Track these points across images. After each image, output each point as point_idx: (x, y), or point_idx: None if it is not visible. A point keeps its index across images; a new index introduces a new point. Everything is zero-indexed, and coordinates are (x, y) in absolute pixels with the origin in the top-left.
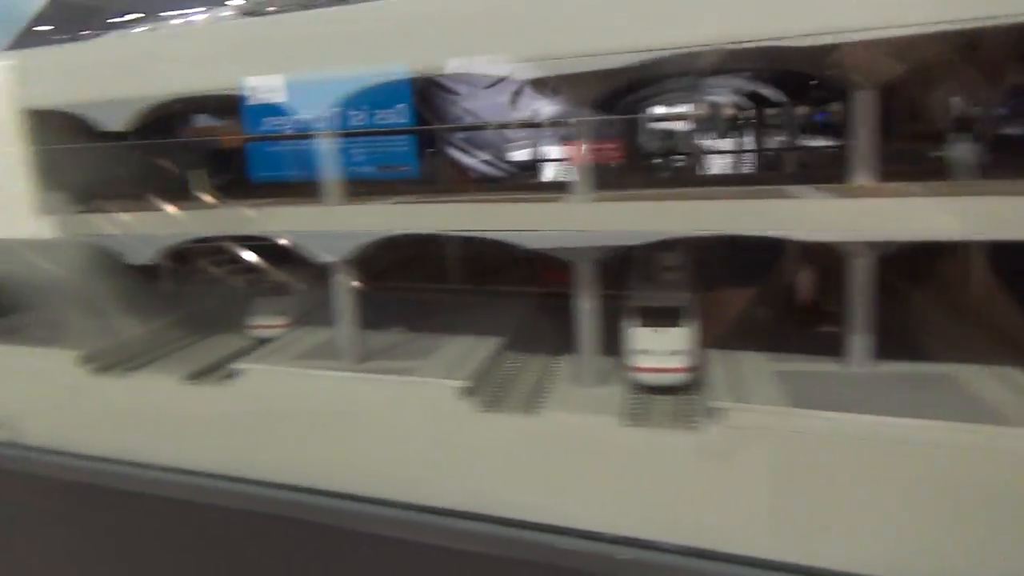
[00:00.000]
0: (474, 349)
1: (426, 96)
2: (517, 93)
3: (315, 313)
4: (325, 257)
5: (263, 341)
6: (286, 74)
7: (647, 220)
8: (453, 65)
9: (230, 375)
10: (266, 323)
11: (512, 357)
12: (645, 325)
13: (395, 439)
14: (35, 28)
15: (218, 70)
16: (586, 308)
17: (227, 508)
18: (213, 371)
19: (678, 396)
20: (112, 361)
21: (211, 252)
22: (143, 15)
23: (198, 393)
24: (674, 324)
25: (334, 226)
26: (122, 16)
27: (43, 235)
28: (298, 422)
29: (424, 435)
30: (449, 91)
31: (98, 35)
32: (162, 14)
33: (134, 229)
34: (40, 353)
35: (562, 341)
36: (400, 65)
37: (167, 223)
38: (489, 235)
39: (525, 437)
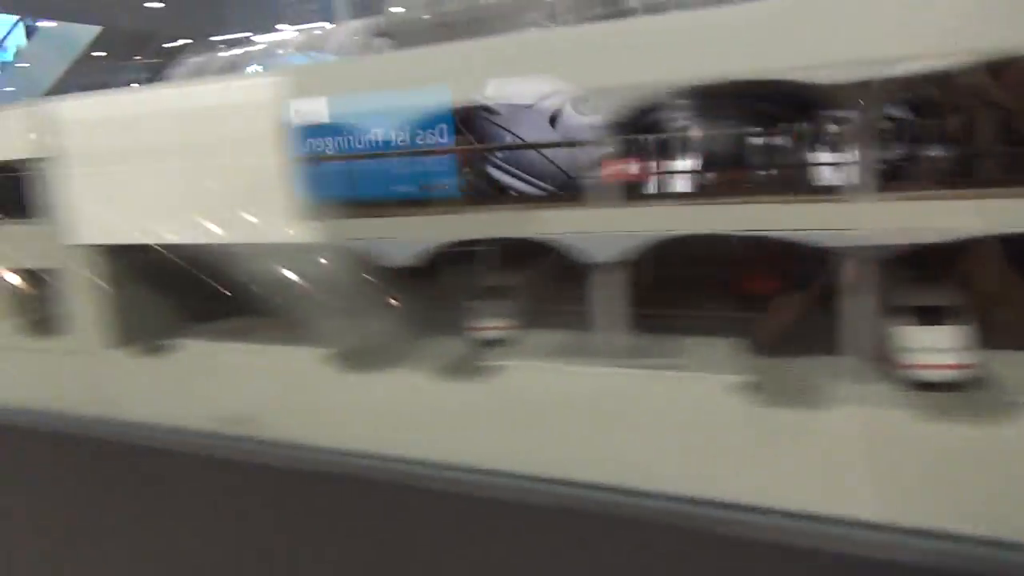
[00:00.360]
0: (721, 349)
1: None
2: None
3: (534, 316)
4: (597, 258)
5: (488, 342)
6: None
7: (951, 218)
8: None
9: (482, 370)
10: (492, 325)
11: (754, 357)
12: (920, 323)
13: (666, 431)
14: (92, 54)
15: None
16: (863, 307)
17: (494, 500)
18: (458, 369)
19: (957, 393)
20: (359, 359)
21: (466, 257)
22: (192, 40)
23: (454, 388)
24: (948, 322)
25: (612, 228)
26: (174, 41)
27: (302, 240)
28: (561, 414)
29: (698, 427)
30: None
31: (151, 62)
32: (213, 38)
33: (395, 233)
34: (289, 352)
35: (801, 341)
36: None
37: (428, 227)
38: (780, 235)
39: (807, 432)
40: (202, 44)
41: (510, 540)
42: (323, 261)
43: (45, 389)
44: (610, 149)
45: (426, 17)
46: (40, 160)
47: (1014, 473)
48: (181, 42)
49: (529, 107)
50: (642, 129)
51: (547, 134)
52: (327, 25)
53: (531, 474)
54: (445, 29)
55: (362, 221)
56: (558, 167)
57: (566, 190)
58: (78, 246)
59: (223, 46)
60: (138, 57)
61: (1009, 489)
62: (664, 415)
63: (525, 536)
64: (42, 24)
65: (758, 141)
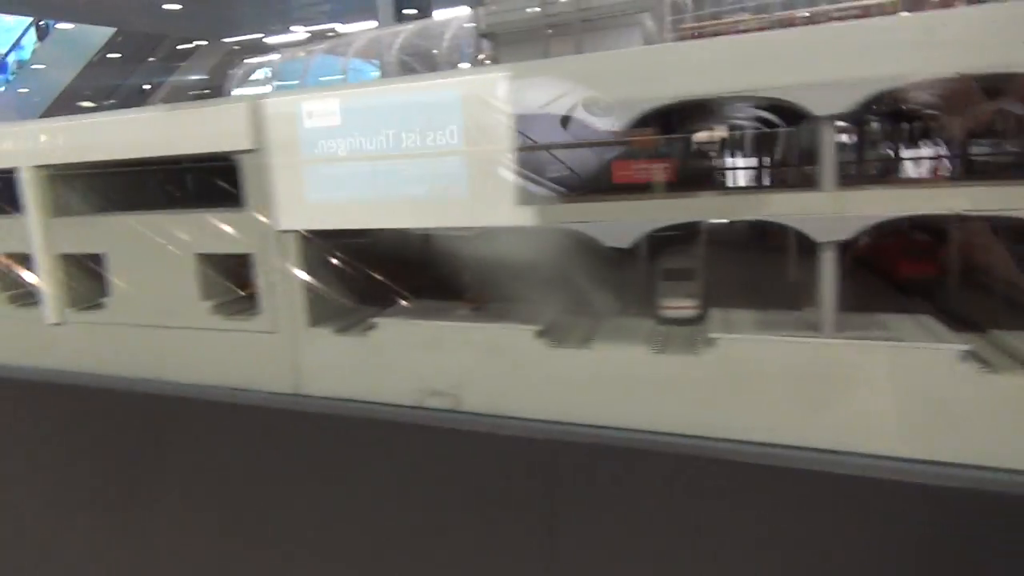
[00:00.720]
0: (925, 324)
1: None
2: None
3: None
4: (821, 238)
5: (675, 321)
6: None
7: None
8: None
9: (691, 344)
10: (680, 304)
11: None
12: None
13: (889, 401)
14: (107, 56)
15: None
16: None
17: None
18: (664, 344)
19: None
20: (566, 334)
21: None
22: (206, 42)
23: (668, 361)
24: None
25: (837, 211)
26: (188, 43)
27: (523, 223)
28: (777, 386)
29: (924, 397)
30: None
31: (167, 65)
32: (225, 40)
33: (610, 216)
34: (498, 329)
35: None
36: None
37: (641, 211)
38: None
39: None
40: (216, 46)
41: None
42: (537, 241)
43: (245, 366)
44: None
45: (531, 15)
46: (250, 151)
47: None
48: (195, 44)
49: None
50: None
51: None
52: (339, 27)
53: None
54: (553, 30)
55: (577, 205)
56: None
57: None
58: (282, 232)
59: (244, 51)
60: (152, 59)
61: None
62: (888, 383)
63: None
64: (58, 26)
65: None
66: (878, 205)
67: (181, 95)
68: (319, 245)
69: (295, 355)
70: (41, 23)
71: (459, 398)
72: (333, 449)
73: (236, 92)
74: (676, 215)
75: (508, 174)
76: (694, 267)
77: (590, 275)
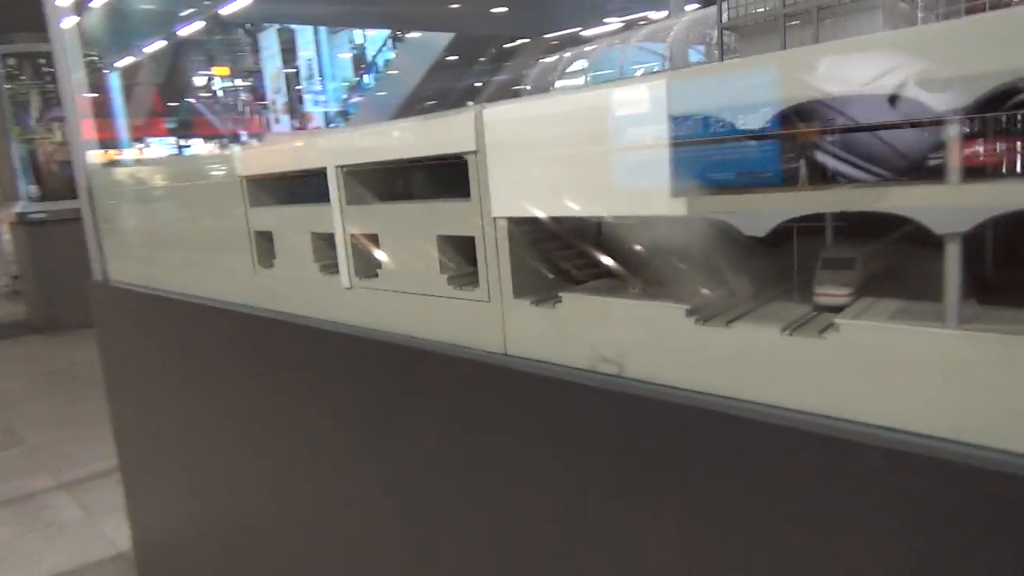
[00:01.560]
0: None
1: None
2: None
3: (878, 285)
4: (944, 229)
5: (829, 308)
6: None
7: None
8: None
9: (827, 328)
10: (835, 292)
11: None
12: None
13: (1002, 393)
14: (446, 59)
15: None
16: None
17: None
18: (800, 328)
19: None
20: (714, 314)
21: (816, 229)
22: (528, 40)
23: (801, 343)
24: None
25: (957, 202)
26: (513, 42)
27: (676, 212)
28: (900, 373)
29: None
30: None
31: (495, 65)
32: (545, 36)
33: (752, 207)
34: (655, 306)
35: None
36: None
37: (785, 201)
38: None
39: None
40: (537, 43)
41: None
42: (689, 230)
43: (467, 328)
44: (962, 130)
45: (772, 7)
46: (473, 152)
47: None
48: (519, 42)
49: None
50: (997, 109)
51: (886, 116)
52: (653, 15)
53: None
54: (795, 20)
55: (721, 197)
56: (897, 150)
57: (907, 172)
58: (497, 218)
59: (561, 45)
60: (483, 59)
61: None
62: (999, 375)
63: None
64: (408, 35)
65: None
66: (1000, 198)
67: (505, 91)
68: (525, 230)
69: (502, 321)
70: (397, 32)
71: (623, 365)
72: (526, 401)
73: (557, 84)
74: (808, 207)
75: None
76: (855, 256)
77: (745, 262)
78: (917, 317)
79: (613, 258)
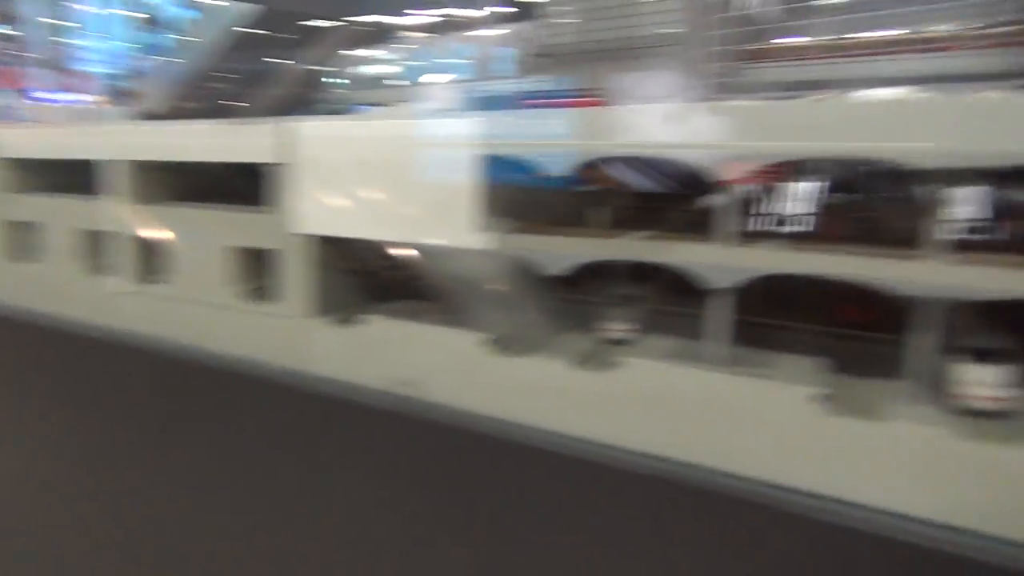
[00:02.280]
0: (807, 365)
1: None
2: None
3: (655, 323)
4: (716, 285)
5: (614, 343)
6: None
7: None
8: None
9: (610, 365)
10: (620, 327)
11: (836, 377)
12: (978, 361)
13: (750, 427)
14: (248, 30)
15: None
16: (929, 343)
17: (608, 467)
18: (588, 361)
19: (1000, 421)
20: (509, 345)
21: (606, 270)
22: (334, 22)
23: (581, 376)
24: (1003, 361)
25: (726, 262)
26: (312, 20)
27: (482, 247)
28: (672, 406)
29: (776, 428)
30: None
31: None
32: (349, 19)
33: (555, 249)
34: (454, 333)
35: (869, 367)
36: None
37: (583, 246)
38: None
39: (874, 440)
40: (349, 27)
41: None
42: (491, 264)
43: (256, 345)
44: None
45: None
46: (277, 164)
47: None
48: (330, 23)
49: None
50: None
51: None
52: (456, 12)
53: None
54: (601, 55)
55: (525, 236)
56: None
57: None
58: (299, 234)
59: (372, 34)
60: (292, 37)
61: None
62: (750, 414)
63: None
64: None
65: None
66: (762, 260)
67: (313, 75)
68: (331, 247)
69: (302, 338)
70: None
71: (422, 389)
72: (322, 420)
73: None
74: (602, 253)
75: (471, 206)
76: (641, 295)
77: (545, 295)
78: (688, 356)
79: (421, 283)
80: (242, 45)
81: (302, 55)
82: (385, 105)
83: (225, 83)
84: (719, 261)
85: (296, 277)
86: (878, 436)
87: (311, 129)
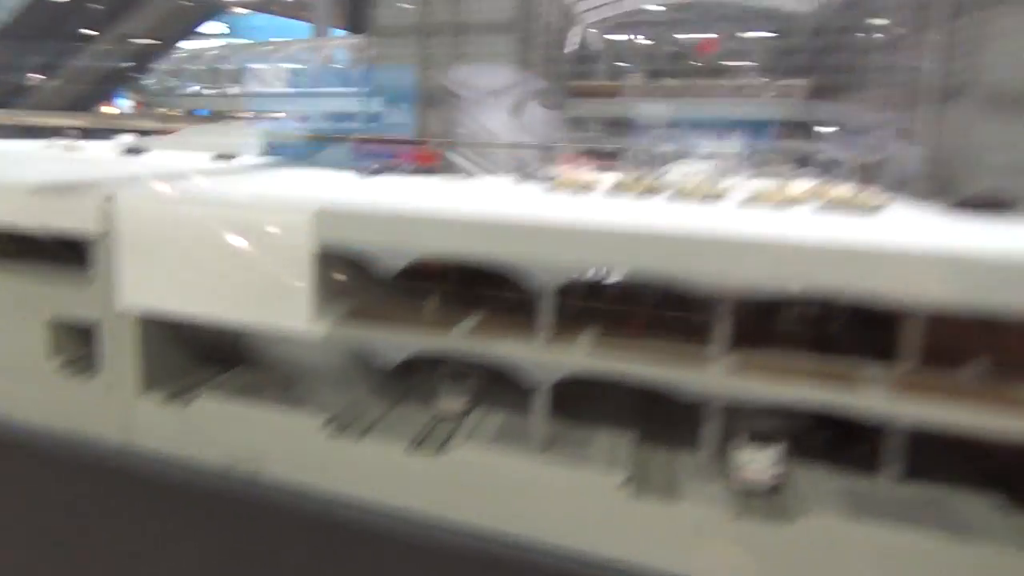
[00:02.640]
0: (617, 443)
1: None
2: None
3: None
4: (531, 380)
5: (449, 419)
6: None
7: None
8: None
9: (441, 448)
10: (452, 404)
11: (643, 450)
12: (751, 442)
13: (558, 505)
14: None
15: None
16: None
17: (439, 548)
18: (423, 442)
19: (770, 496)
20: (345, 425)
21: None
22: None
23: (416, 462)
24: (770, 444)
25: (541, 359)
26: None
27: (316, 335)
28: (498, 493)
29: (583, 509)
30: None
31: None
32: None
33: (384, 337)
34: (292, 414)
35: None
36: None
37: (407, 336)
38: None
39: (663, 518)
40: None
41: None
42: (324, 347)
43: (77, 421)
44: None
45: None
46: (102, 235)
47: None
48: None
49: None
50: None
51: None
52: None
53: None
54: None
55: (357, 324)
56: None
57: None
58: (127, 309)
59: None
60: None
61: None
62: (559, 496)
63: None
64: None
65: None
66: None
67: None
68: (160, 323)
69: (127, 414)
70: None
71: (258, 468)
72: (148, 498)
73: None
74: (430, 346)
75: (304, 294)
76: (471, 373)
77: (382, 374)
78: (514, 435)
79: (259, 363)
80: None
81: (119, 27)
82: (213, 88)
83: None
84: (534, 358)
85: (120, 350)
86: (666, 514)
87: (137, 200)
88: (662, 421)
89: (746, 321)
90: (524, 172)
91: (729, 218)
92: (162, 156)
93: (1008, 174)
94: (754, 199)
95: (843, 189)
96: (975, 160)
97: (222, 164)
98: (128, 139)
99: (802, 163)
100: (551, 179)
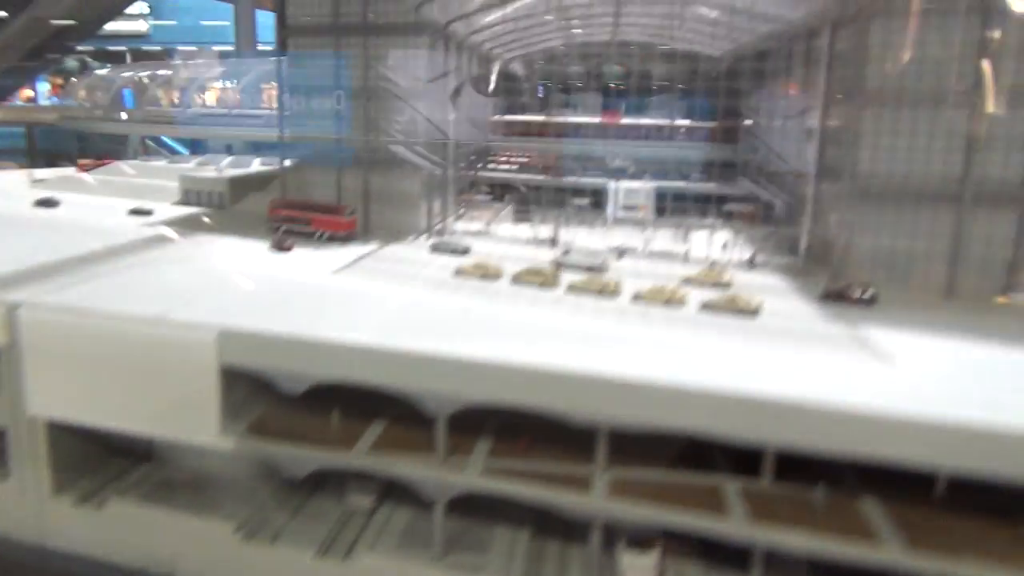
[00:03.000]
0: (517, 541)
1: None
2: None
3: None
4: (430, 496)
5: (356, 511)
6: None
7: None
8: None
9: (348, 554)
10: (361, 500)
11: (538, 549)
12: (630, 548)
13: None
14: None
15: None
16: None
17: None
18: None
19: None
20: (256, 530)
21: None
22: None
23: (324, 566)
24: (649, 550)
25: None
26: None
27: (225, 447)
28: None
29: None
30: None
31: None
32: None
33: (289, 453)
34: (204, 517)
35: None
36: None
37: (310, 453)
38: None
39: None
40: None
41: None
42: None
43: None
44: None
45: None
46: (8, 344)
47: None
48: None
49: None
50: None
51: None
52: None
53: None
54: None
55: (265, 444)
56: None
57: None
58: (35, 416)
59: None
60: None
61: None
62: None
63: None
64: None
65: None
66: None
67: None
68: (71, 429)
69: (37, 516)
70: None
71: (173, 570)
72: None
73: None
74: (338, 463)
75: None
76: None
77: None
78: (418, 538)
79: (170, 460)
80: None
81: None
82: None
83: None
84: (430, 477)
85: (30, 454)
86: None
87: (43, 312)
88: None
89: (625, 443)
90: (438, 241)
91: (614, 337)
92: (76, 210)
93: (875, 262)
94: (644, 297)
95: (727, 277)
96: (846, 245)
97: (138, 221)
98: (43, 174)
99: (703, 212)
100: (464, 250)
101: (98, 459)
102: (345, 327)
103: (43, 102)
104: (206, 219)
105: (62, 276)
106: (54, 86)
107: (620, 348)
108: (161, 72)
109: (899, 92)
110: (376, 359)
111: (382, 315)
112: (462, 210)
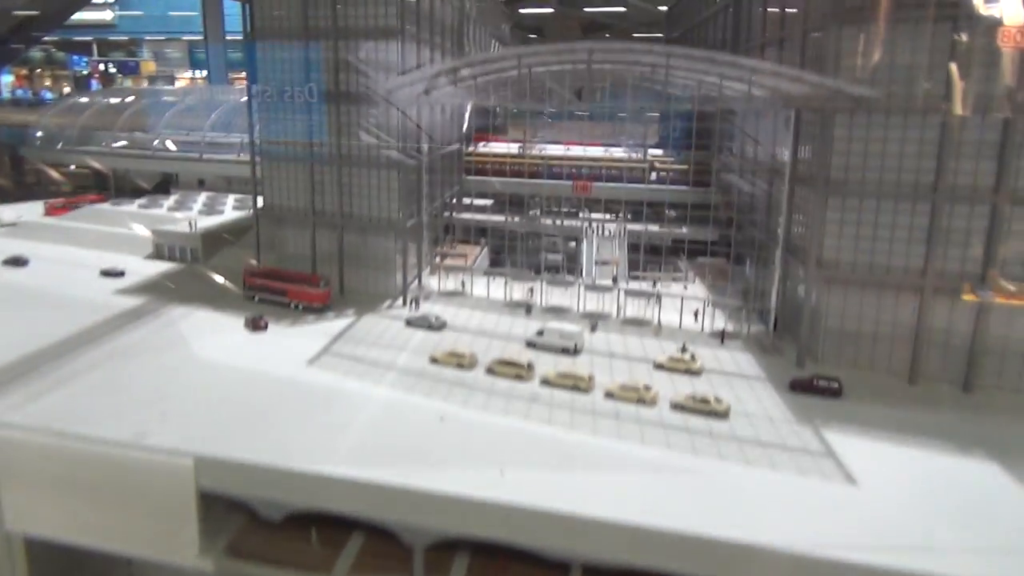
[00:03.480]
0: None
1: None
2: None
3: None
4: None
5: None
6: None
7: None
8: None
9: None
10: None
11: None
12: None
13: None
14: None
15: None
16: None
17: None
18: None
19: None
20: None
21: None
22: None
23: None
24: None
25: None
26: None
27: (204, 567)
28: None
29: None
30: None
31: None
32: None
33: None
34: None
35: None
36: None
37: None
38: None
39: None
40: None
41: None
42: None
43: None
44: None
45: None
46: None
47: None
48: None
49: None
50: None
51: None
52: None
53: None
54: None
55: (240, 563)
56: None
57: None
58: (13, 532)
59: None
60: None
61: None
62: None
63: None
64: None
65: None
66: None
67: None
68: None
69: None
70: None
71: None
72: None
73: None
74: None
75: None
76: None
77: None
78: None
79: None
80: None
81: None
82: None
83: None
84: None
85: (6, 569)
86: None
87: (17, 435)
88: None
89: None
90: (413, 316)
91: (588, 458)
92: (45, 272)
93: (842, 340)
94: (616, 396)
95: (697, 365)
96: (813, 329)
97: (109, 287)
98: (11, 216)
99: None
100: (440, 326)
101: (78, 574)
102: (321, 450)
103: (6, 95)
104: (171, 284)
105: (34, 376)
106: (18, 77)
107: (593, 476)
108: (128, 99)
109: (861, 184)
110: (352, 492)
111: (358, 430)
112: (438, 260)
